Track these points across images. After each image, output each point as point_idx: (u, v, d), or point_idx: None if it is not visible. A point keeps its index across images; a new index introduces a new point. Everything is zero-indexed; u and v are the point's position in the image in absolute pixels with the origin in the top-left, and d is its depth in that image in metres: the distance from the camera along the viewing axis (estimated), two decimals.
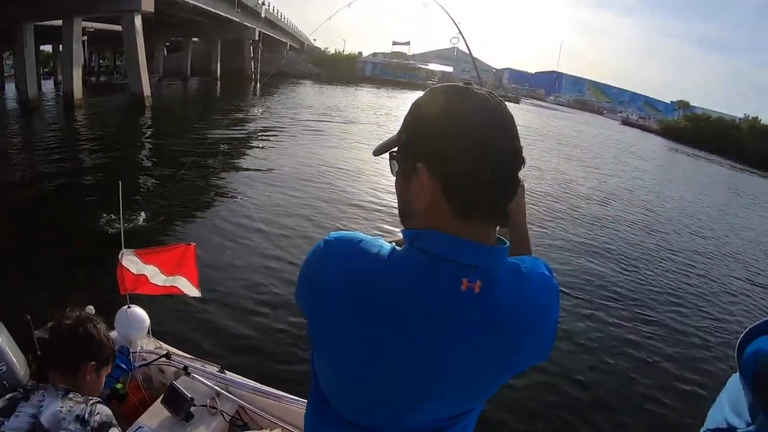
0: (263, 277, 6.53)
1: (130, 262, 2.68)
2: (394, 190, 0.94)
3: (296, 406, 2.55)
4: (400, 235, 0.91)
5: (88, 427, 1.44)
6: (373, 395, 0.92)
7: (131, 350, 2.77)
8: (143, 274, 2.72)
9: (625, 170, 23.71)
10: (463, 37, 3.39)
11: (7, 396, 1.46)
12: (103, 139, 17.95)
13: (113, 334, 2.88)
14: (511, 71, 60.91)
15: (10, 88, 47.53)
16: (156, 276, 2.74)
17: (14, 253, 7.23)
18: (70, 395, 1.49)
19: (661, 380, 5.45)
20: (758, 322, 0.99)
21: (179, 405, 2.54)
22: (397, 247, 0.87)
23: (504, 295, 0.84)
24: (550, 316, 0.92)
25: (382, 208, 10.07)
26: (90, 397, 1.53)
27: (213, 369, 2.76)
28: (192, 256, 2.75)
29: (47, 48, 56.97)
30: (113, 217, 8.02)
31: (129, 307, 2.75)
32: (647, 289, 7.99)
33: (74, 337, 1.59)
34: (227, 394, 2.68)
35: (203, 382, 2.70)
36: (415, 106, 0.88)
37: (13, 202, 9.97)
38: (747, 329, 1.00)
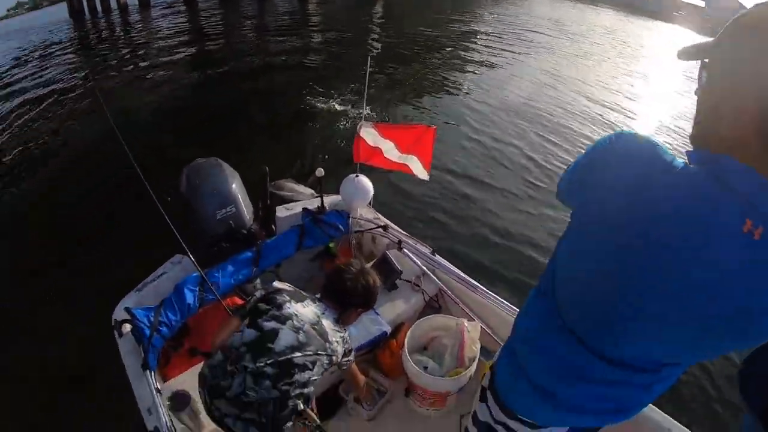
0: (490, 175, 6.53)
1: (368, 133, 2.81)
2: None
3: (490, 301, 2.56)
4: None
5: (346, 347, 1.86)
6: (605, 307, 0.88)
7: (351, 215, 2.99)
8: (378, 147, 2.84)
9: None
10: None
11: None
12: (335, 27, 18.88)
13: (336, 197, 3.15)
14: None
15: None
16: (391, 151, 2.84)
17: (255, 117, 8.27)
18: (338, 322, 1.88)
19: None
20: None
21: (388, 274, 2.72)
22: (686, 163, 0.79)
23: None
24: None
25: None
26: (345, 328, 1.91)
27: (425, 249, 2.87)
28: (431, 138, 2.77)
29: None
30: (349, 94, 8.64)
31: (357, 176, 2.93)
32: None
33: (355, 288, 1.90)
34: (432, 275, 2.79)
35: (413, 260, 2.84)
36: (749, 20, 0.74)
37: (252, 77, 11.24)
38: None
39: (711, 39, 0.81)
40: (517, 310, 2.37)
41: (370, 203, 3.07)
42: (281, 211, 3.08)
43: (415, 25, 18.79)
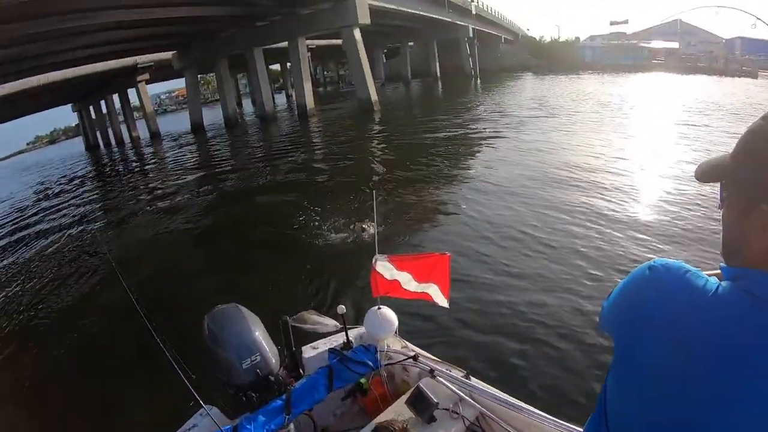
0: (514, 290, 6.19)
1: (384, 267, 2.85)
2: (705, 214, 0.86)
3: (538, 420, 2.43)
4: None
5: None
6: None
7: (378, 349, 2.95)
8: (396, 280, 2.86)
9: None
10: None
11: None
12: (339, 141, 19.92)
13: (361, 330, 3.12)
14: (743, 40, 51.09)
15: (247, 104, 56.44)
16: (409, 282, 2.87)
17: (261, 253, 8.39)
18: None
19: None
20: None
21: (424, 407, 2.62)
22: (719, 283, 0.81)
23: None
24: None
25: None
26: None
27: (458, 374, 2.79)
28: (446, 265, 2.81)
29: (275, 66, 65.72)
30: (358, 222, 8.54)
31: (379, 308, 2.92)
32: None
33: None
34: (470, 400, 2.69)
35: (447, 386, 2.75)
36: (759, 134, 0.78)
37: (261, 202, 11.61)
38: None
39: (725, 156, 0.84)
40: (569, 425, 2.25)
41: (396, 332, 3.04)
42: (307, 351, 3.05)
43: (413, 131, 19.66)
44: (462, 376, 2.77)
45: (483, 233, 8.01)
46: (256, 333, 2.81)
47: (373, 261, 2.86)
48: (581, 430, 1.87)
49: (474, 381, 2.74)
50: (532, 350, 4.85)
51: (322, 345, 3.08)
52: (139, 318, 2.67)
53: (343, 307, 2.83)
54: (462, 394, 2.71)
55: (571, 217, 8.14)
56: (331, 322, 3.91)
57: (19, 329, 7.45)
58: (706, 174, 0.88)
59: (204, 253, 9.35)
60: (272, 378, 2.75)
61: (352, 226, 8.57)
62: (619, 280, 0.97)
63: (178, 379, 2.38)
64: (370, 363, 2.89)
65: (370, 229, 7.87)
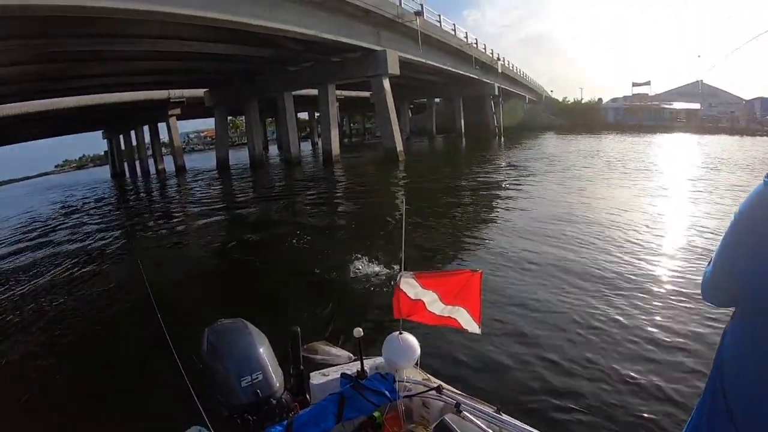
0: (547, 307, 6.21)
1: (408, 285, 2.60)
2: None
3: None
4: None
5: None
6: None
7: (397, 378, 2.66)
8: (420, 300, 2.60)
9: None
10: None
11: None
12: (361, 183, 20.15)
13: (377, 361, 2.84)
14: (763, 100, 51.26)
15: (273, 149, 58.18)
16: (434, 303, 2.60)
17: (283, 277, 8.24)
18: None
19: None
20: None
21: None
22: None
23: None
24: None
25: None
26: None
27: (488, 409, 2.48)
28: (477, 284, 2.53)
29: (303, 115, 68.22)
30: (381, 251, 8.76)
31: (400, 334, 2.66)
32: None
33: None
34: None
35: (476, 423, 2.43)
36: None
37: (283, 234, 11.69)
38: None
39: None
40: None
41: (417, 363, 2.75)
42: (316, 378, 2.78)
43: (435, 179, 19.85)
44: (494, 411, 2.46)
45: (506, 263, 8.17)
46: (261, 350, 2.54)
47: (399, 277, 2.61)
48: None
49: (506, 417, 2.43)
50: (568, 385, 4.54)
51: (333, 372, 2.80)
52: (154, 324, 2.44)
53: (360, 330, 2.55)
54: (492, 431, 2.40)
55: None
56: (344, 354, 3.63)
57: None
58: None
59: (221, 275, 9.30)
60: (274, 401, 2.46)
61: (374, 261, 8.49)
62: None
63: (177, 392, 2.16)
64: (387, 393, 2.59)
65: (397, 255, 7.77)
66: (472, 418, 2.44)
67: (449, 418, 2.42)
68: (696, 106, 58.20)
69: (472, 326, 2.58)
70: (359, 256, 8.88)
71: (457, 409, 2.51)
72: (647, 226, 10.12)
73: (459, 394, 2.60)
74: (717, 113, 55.03)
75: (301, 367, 2.63)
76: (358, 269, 8.26)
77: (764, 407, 0.74)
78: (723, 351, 0.88)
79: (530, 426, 2.35)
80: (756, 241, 0.77)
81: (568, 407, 4.18)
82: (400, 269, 2.64)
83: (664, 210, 11.78)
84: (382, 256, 8.58)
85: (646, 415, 3.97)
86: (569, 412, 4.13)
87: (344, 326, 5.90)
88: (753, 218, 0.79)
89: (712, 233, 9.03)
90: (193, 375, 2.30)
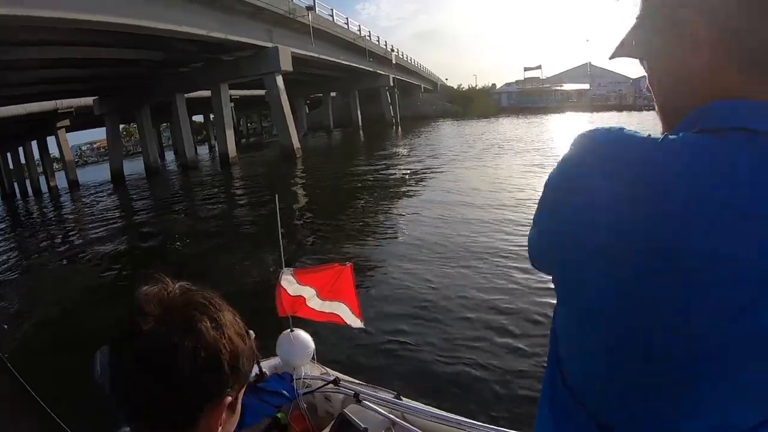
0: (428, 298, 6.26)
1: (287, 282, 2.55)
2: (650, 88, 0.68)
3: None
4: None
5: None
6: (653, 378, 0.59)
7: (294, 377, 2.62)
8: (301, 296, 2.57)
9: None
10: None
11: None
12: (260, 185, 19.76)
13: (275, 360, 2.78)
14: None
15: (170, 155, 55.73)
16: (313, 299, 2.57)
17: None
18: None
19: None
20: None
21: None
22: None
23: None
24: None
25: None
26: None
27: (388, 396, 2.50)
28: (349, 277, 2.54)
29: (198, 118, 65.77)
30: (270, 250, 8.55)
31: (292, 331, 2.61)
32: None
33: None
34: (405, 423, 2.38)
35: (377, 411, 2.44)
36: None
37: (176, 241, 11.23)
38: None
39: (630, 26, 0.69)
40: None
41: (313, 358, 2.73)
42: None
43: (334, 171, 19.92)
44: (393, 397, 2.48)
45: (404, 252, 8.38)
46: None
47: (280, 274, 2.56)
48: None
49: (406, 401, 2.46)
50: (463, 362, 4.68)
51: None
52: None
53: (252, 332, 2.47)
54: (394, 417, 2.41)
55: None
56: None
57: None
58: (617, 52, 0.72)
59: (109, 297, 8.73)
60: None
61: (266, 259, 8.52)
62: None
63: None
64: (286, 393, 2.55)
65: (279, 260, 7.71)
66: (373, 406, 2.45)
67: (349, 410, 2.42)
68: (585, 86, 62.10)
69: (354, 321, 2.60)
70: (250, 255, 8.85)
71: (357, 399, 2.51)
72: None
73: (358, 383, 2.60)
74: (606, 92, 59.13)
75: None
76: (249, 270, 8.18)
77: (584, 368, 0.70)
78: (555, 317, 0.81)
79: (430, 406, 2.40)
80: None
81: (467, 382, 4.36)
82: (281, 266, 2.60)
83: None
84: (269, 255, 8.53)
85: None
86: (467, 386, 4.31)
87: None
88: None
89: None
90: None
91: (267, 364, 2.72)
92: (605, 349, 0.62)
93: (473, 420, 2.24)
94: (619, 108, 45.15)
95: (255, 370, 2.65)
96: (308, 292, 2.56)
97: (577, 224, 0.61)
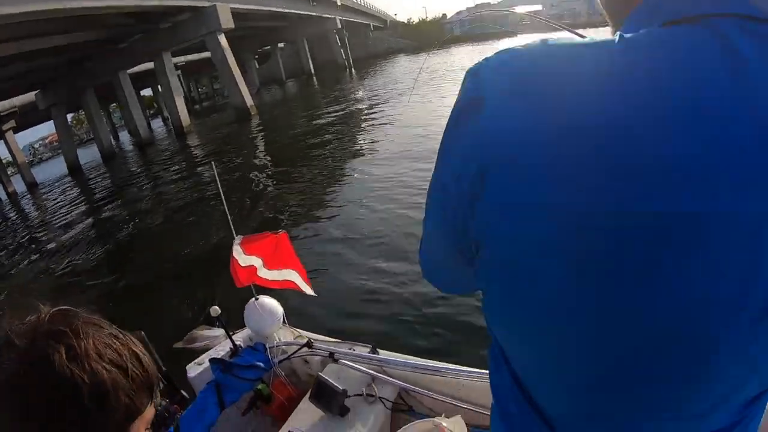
0: (387, 249, 6.22)
1: (237, 251, 2.43)
2: None
3: (467, 378, 2.12)
4: None
5: None
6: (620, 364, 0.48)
7: (268, 345, 2.52)
8: (252, 265, 2.45)
9: None
10: None
11: None
12: (217, 153, 19.36)
13: (245, 332, 2.68)
14: None
15: (124, 136, 54.10)
16: (261, 269, 2.46)
17: (143, 271, 7.91)
18: None
19: None
20: None
21: (330, 400, 2.22)
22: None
23: None
24: None
25: None
26: None
27: (364, 350, 2.42)
28: (287, 245, 2.43)
29: (147, 92, 63.46)
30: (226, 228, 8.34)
31: (257, 299, 2.51)
32: None
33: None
34: (384, 377, 2.31)
35: (355, 368, 2.36)
36: None
37: (138, 226, 11.00)
38: None
39: None
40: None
41: (284, 322, 2.62)
42: (192, 369, 2.58)
43: (289, 123, 19.54)
44: (368, 352, 2.40)
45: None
46: None
47: (232, 244, 2.42)
48: None
49: (384, 354, 2.38)
50: (436, 305, 4.64)
51: (206, 359, 2.60)
52: None
53: (217, 308, 2.34)
54: (374, 372, 2.34)
55: None
56: (221, 333, 3.42)
57: None
58: None
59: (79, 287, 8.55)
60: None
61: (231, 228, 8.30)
62: None
63: None
64: (261, 364, 2.44)
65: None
66: (350, 364, 2.38)
67: (326, 372, 2.34)
68: (538, 7, 61.39)
69: (306, 288, 2.51)
70: (215, 225, 8.69)
71: (333, 358, 2.43)
72: None
73: (332, 342, 2.52)
74: (559, 12, 58.71)
75: (163, 368, 2.40)
76: (211, 240, 8.03)
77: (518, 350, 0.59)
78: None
79: (408, 356, 2.34)
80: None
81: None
82: (233, 236, 2.45)
83: None
84: (237, 222, 8.41)
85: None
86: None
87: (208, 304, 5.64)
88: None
89: None
90: None
91: (241, 336, 2.65)
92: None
93: (454, 365, 2.18)
94: (574, 26, 44.93)
95: (228, 345, 2.54)
96: (257, 262, 2.44)
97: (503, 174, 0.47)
